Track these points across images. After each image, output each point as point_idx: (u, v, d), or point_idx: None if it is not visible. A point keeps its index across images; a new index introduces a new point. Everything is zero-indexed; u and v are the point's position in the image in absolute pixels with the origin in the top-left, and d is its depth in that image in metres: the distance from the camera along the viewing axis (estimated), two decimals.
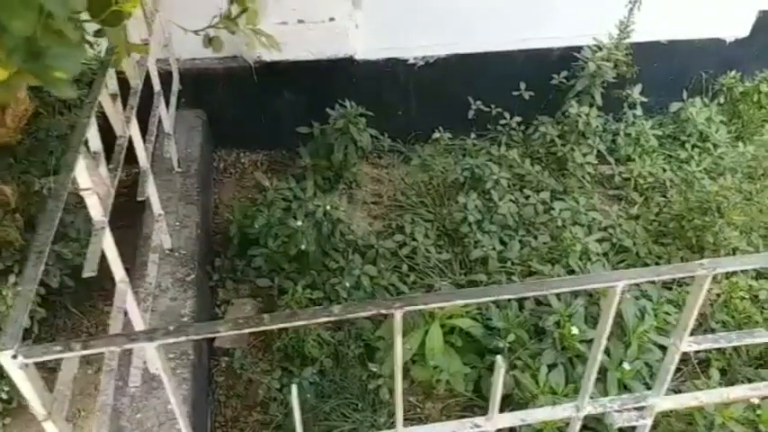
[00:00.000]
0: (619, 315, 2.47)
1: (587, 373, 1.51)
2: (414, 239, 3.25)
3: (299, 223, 2.92)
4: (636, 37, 4.10)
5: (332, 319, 1.23)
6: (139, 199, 2.35)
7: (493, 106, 4.14)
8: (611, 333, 2.13)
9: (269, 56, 3.75)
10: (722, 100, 4.22)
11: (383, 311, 1.28)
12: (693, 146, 3.99)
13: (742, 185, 3.74)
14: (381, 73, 4.01)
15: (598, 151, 3.82)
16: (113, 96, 2.21)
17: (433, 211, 3.61)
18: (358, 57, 3.92)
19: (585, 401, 1.54)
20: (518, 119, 4.09)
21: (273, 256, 3.00)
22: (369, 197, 3.80)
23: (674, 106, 4.23)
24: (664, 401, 1.59)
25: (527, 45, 4.09)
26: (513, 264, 3.15)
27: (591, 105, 3.88)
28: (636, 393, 1.59)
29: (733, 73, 4.22)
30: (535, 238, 3.27)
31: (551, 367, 2.31)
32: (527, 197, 3.43)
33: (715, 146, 3.99)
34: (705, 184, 3.42)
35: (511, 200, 3.43)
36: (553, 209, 3.32)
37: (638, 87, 4.01)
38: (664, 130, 4.17)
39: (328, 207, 2.99)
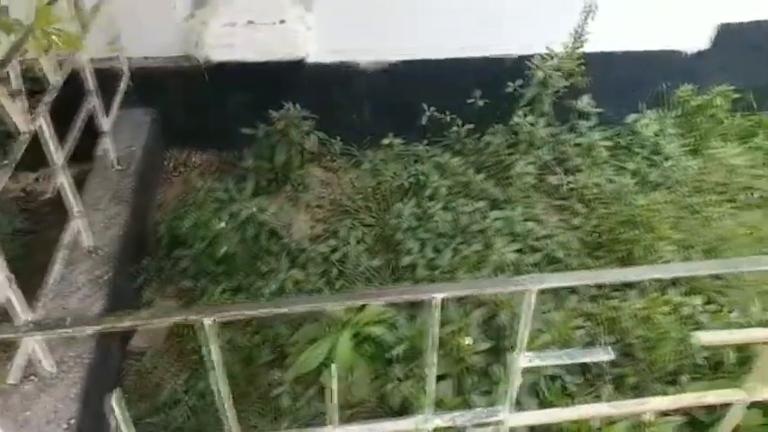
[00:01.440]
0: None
1: (428, 384, 1.50)
2: (346, 244, 3.24)
3: (222, 225, 2.92)
4: (592, 46, 4.08)
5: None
6: (46, 196, 2.36)
7: (447, 113, 4.13)
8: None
9: (218, 56, 3.77)
10: (678, 112, 4.17)
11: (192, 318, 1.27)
12: (645, 158, 3.96)
13: (689, 199, 3.72)
14: (333, 77, 4.01)
15: (546, 161, 3.79)
16: (17, 93, 2.22)
17: (376, 217, 3.61)
18: (309, 60, 3.92)
19: (428, 414, 1.53)
20: (470, 126, 4.06)
21: (200, 257, 3.01)
22: (315, 200, 3.80)
23: (631, 117, 4.20)
24: (513, 417, 1.57)
25: (482, 52, 4.08)
26: (442, 272, 3.14)
27: (542, 115, 3.85)
28: (486, 408, 1.58)
29: (688, 86, 4.17)
30: (469, 246, 3.25)
31: (442, 378, 2.29)
32: (465, 206, 3.41)
33: (667, 158, 3.95)
34: (637, 197, 3.37)
35: (448, 207, 3.42)
36: (487, 218, 3.30)
37: (587, 97, 3.96)
38: (618, 141, 4.13)
39: (254, 209, 2.99)
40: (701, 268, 1.89)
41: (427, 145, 4.09)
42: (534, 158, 3.79)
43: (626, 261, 3.14)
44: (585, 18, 3.81)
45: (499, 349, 2.40)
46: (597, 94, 4.21)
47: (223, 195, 3.31)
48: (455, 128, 4.04)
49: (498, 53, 4.07)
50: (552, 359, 1.47)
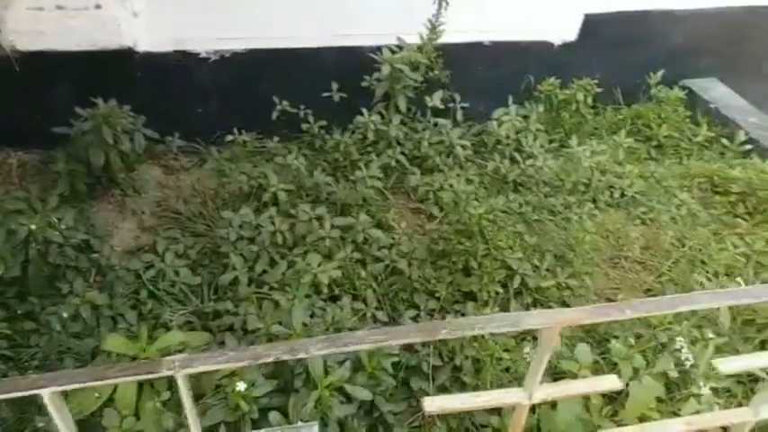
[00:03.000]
0: None
1: None
2: (162, 260, 2.90)
3: None
4: (457, 37, 3.85)
5: None
6: None
7: (302, 107, 3.81)
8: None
9: (27, 44, 3.31)
10: (544, 108, 4.00)
11: None
12: (506, 156, 3.76)
13: (548, 200, 3.55)
14: (172, 67, 3.62)
15: (400, 161, 3.54)
16: None
17: (211, 225, 3.27)
18: (140, 49, 3.51)
19: None
20: (324, 123, 3.76)
21: None
22: (146, 205, 3.42)
23: (498, 112, 3.99)
24: None
25: (339, 42, 3.77)
26: (271, 288, 2.84)
27: (397, 111, 3.59)
28: None
29: (555, 79, 4.00)
30: (303, 258, 2.96)
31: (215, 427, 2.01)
32: (305, 212, 3.10)
33: (529, 156, 3.77)
34: (484, 202, 3.16)
35: (289, 214, 3.12)
36: (323, 227, 3.02)
37: (447, 92, 3.72)
38: (482, 138, 3.93)
39: (33, 227, 2.59)
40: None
41: (278, 142, 3.77)
42: (388, 158, 3.52)
43: (465, 271, 2.92)
44: (439, 7, 3.56)
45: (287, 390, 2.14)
46: (465, 87, 3.99)
47: (23, 206, 2.89)
48: (307, 124, 3.73)
49: (356, 43, 3.77)
50: None
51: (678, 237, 3.39)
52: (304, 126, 3.74)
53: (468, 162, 3.76)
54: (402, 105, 3.57)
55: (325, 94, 3.79)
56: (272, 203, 3.19)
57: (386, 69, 3.44)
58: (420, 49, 3.67)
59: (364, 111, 3.57)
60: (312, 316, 2.63)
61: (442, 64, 3.76)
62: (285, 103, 3.76)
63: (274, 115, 3.76)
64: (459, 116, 3.94)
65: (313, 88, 3.80)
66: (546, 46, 4.09)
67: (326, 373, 2.21)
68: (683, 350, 2.52)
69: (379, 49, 3.69)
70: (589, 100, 3.85)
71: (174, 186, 3.61)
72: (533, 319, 1.52)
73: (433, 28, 3.59)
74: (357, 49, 3.76)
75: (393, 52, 3.54)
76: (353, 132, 3.67)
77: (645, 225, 3.53)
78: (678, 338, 2.57)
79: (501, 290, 2.90)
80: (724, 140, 4.01)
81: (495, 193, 3.56)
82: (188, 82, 3.67)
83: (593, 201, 3.64)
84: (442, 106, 3.62)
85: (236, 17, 3.57)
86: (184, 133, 3.75)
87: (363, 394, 2.22)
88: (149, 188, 3.52)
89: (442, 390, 2.54)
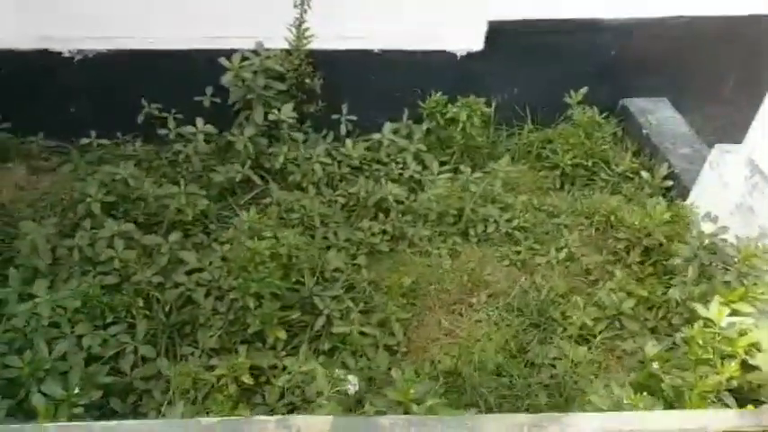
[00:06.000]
0: None
1: None
2: None
3: None
4: (338, 44, 3.53)
5: None
6: None
7: (174, 111, 3.60)
8: None
9: None
10: (434, 124, 3.58)
11: None
12: (381, 177, 3.39)
13: (410, 229, 3.16)
14: (35, 66, 3.51)
15: (246, 176, 3.27)
16: None
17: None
18: (2, 46, 3.42)
19: None
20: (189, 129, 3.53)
21: None
22: None
23: (386, 128, 3.61)
24: None
25: (214, 45, 3.53)
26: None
27: (252, 121, 3.31)
28: None
29: (438, 95, 3.57)
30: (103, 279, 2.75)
31: None
32: (110, 229, 2.88)
33: (406, 179, 3.39)
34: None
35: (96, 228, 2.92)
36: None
37: (290, 105, 3.35)
38: (370, 156, 3.57)
39: None
40: None
41: (142, 146, 3.59)
42: (236, 172, 3.26)
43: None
44: (302, 11, 3.24)
45: None
46: (354, 99, 3.66)
47: None
48: (166, 129, 3.51)
49: (231, 46, 3.51)
50: None
51: (538, 286, 2.92)
52: (162, 132, 3.52)
53: (335, 181, 3.43)
54: (258, 116, 3.28)
55: (197, 99, 3.57)
56: (87, 215, 3.00)
57: (228, 77, 3.16)
58: (290, 54, 3.38)
59: (198, 120, 3.34)
60: None
61: (312, 72, 3.45)
62: (154, 106, 3.57)
63: (140, 119, 3.58)
64: (343, 130, 3.62)
65: (186, 92, 3.58)
66: (448, 56, 3.67)
67: None
68: None
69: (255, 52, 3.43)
70: (476, 120, 3.39)
71: (32, 188, 3.52)
72: None
73: (301, 33, 3.28)
74: (233, 53, 3.52)
75: (245, 59, 3.25)
76: (209, 142, 3.44)
77: (514, 267, 3.08)
78: None
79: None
80: (644, 174, 3.45)
81: (348, 218, 3.22)
82: (53, 81, 3.55)
83: (465, 234, 3.22)
84: (291, 119, 3.28)
85: (98, 17, 3.41)
86: (51, 133, 3.65)
87: None
88: (8, 191, 3.43)
89: None
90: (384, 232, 3.17)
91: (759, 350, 2.02)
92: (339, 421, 1.12)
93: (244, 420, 1.07)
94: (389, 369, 2.50)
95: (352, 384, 2.18)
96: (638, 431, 1.15)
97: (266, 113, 3.30)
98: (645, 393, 1.95)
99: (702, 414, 1.31)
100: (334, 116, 3.63)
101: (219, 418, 1.06)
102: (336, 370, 2.25)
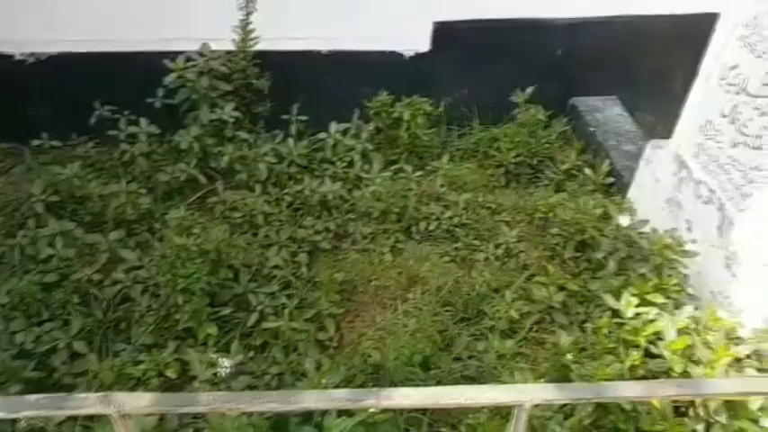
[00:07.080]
0: None
1: None
2: None
3: None
4: (286, 44, 3.58)
5: None
6: None
7: (127, 113, 3.65)
8: None
9: None
10: (380, 124, 3.63)
11: None
12: (327, 176, 3.44)
13: (352, 227, 3.21)
14: None
15: (191, 175, 3.32)
16: None
17: None
18: None
19: None
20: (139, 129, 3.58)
21: None
22: None
23: (332, 128, 3.65)
24: None
25: (167, 47, 3.58)
26: None
27: (199, 123, 3.37)
28: None
29: (384, 95, 3.62)
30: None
31: None
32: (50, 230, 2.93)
33: (352, 178, 3.44)
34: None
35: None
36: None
37: (231, 104, 3.40)
38: (319, 156, 3.62)
39: None
40: None
41: (94, 147, 3.65)
42: (180, 173, 3.31)
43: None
44: (247, 12, 3.30)
45: None
46: (305, 99, 3.70)
47: None
48: (117, 130, 3.56)
49: (185, 48, 3.57)
50: None
51: (474, 281, 2.97)
52: (113, 133, 3.57)
53: (283, 180, 3.47)
54: (204, 115, 3.33)
55: (149, 100, 3.63)
56: (32, 215, 3.06)
57: (172, 78, 3.22)
58: (235, 55, 3.43)
59: (142, 120, 3.40)
60: None
61: (260, 73, 3.50)
62: (106, 108, 3.62)
63: (92, 120, 3.63)
64: (294, 130, 3.66)
65: (139, 94, 3.63)
66: (395, 56, 3.72)
67: None
68: None
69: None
70: (420, 120, 3.44)
71: None
72: None
73: (245, 35, 3.33)
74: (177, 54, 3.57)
75: (190, 60, 3.31)
76: (162, 143, 3.49)
77: (453, 263, 3.12)
78: None
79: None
80: (587, 171, 3.49)
81: (294, 216, 3.27)
82: (6, 84, 3.60)
83: (407, 231, 3.26)
84: (232, 118, 3.33)
85: (50, 21, 3.47)
86: (5, 135, 3.70)
87: None
88: None
89: None
90: (327, 230, 3.22)
91: (662, 339, 2.06)
92: (159, 397, 1.17)
93: (66, 396, 1.12)
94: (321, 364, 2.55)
95: (223, 368, 2.28)
96: (455, 404, 1.20)
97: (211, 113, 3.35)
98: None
99: (522, 388, 1.38)
100: (285, 116, 3.69)
101: (44, 395, 1.11)
102: (211, 355, 2.33)
